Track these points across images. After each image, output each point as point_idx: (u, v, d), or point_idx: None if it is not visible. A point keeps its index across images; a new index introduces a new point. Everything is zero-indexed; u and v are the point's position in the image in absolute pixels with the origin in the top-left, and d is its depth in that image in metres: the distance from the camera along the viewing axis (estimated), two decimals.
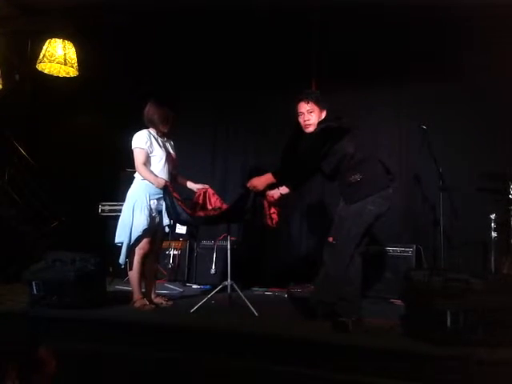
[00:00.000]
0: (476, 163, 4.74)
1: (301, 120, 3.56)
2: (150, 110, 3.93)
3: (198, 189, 4.06)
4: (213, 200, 3.98)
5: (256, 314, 3.63)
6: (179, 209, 3.73)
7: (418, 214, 5.01)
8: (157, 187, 3.79)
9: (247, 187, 3.63)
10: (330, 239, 3.48)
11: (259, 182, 3.56)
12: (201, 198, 3.99)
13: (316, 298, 3.54)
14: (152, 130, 3.95)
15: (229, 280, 3.92)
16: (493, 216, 4.32)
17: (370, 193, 3.29)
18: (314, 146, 3.42)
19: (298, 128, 3.62)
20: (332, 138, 3.37)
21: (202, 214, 3.92)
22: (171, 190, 3.76)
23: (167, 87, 5.73)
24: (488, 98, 4.81)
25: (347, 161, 3.35)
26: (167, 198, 3.75)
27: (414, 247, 4.49)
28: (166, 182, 3.80)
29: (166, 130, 3.97)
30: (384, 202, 3.34)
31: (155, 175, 3.82)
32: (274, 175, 3.50)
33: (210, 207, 3.96)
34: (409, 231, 5.00)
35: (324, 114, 3.53)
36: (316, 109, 3.51)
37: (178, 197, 3.77)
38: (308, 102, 3.51)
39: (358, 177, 3.31)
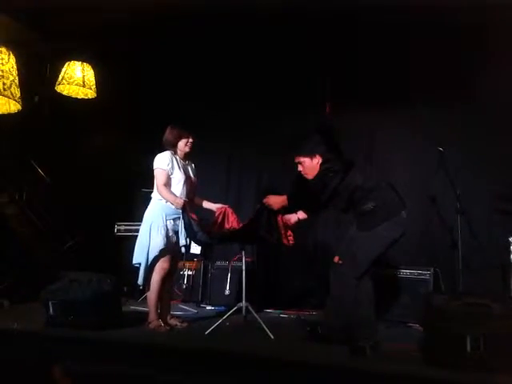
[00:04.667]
0: (494, 185, 4.69)
1: None
2: (166, 132, 4.03)
3: (218, 208, 4.08)
4: (231, 219, 3.98)
5: (271, 337, 3.60)
6: (196, 228, 3.74)
7: (436, 236, 4.95)
8: (176, 207, 3.83)
9: (263, 203, 3.65)
10: (336, 259, 3.46)
11: (275, 201, 3.59)
12: (220, 216, 4.00)
13: (327, 321, 3.51)
14: (176, 153, 4.02)
15: (244, 302, 3.90)
16: (511, 239, 4.26)
17: (383, 219, 3.28)
18: (323, 188, 3.39)
19: None
20: (338, 175, 3.36)
21: (217, 231, 3.93)
22: (188, 211, 3.78)
23: (184, 108, 5.78)
24: (506, 119, 4.77)
25: (358, 192, 3.34)
26: (185, 217, 3.77)
27: (432, 270, 4.43)
28: (184, 201, 3.82)
29: (186, 150, 4.03)
30: (397, 228, 3.33)
31: (175, 195, 3.86)
32: (289, 200, 3.52)
33: (227, 226, 3.96)
34: (426, 254, 4.92)
35: (318, 159, 3.49)
36: (305, 159, 3.51)
37: (195, 217, 3.79)
38: (296, 156, 3.55)
39: (370, 205, 3.30)
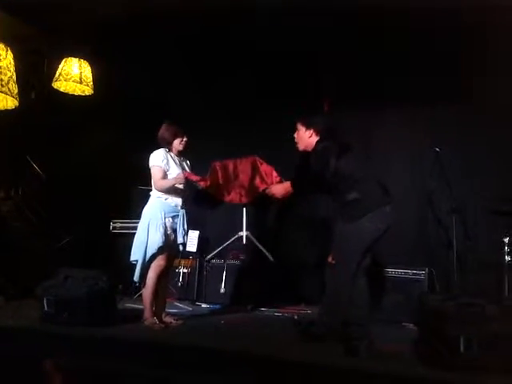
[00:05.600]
0: (489, 186, 4.71)
1: None
2: (161, 129, 4.05)
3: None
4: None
5: (271, 260, 3.56)
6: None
7: (431, 236, 4.97)
8: (180, 184, 3.90)
9: (266, 193, 3.78)
10: (330, 259, 3.48)
11: (277, 190, 3.69)
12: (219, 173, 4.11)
13: (322, 320, 3.52)
14: (171, 151, 4.04)
15: (244, 231, 3.87)
16: (506, 239, 4.27)
17: (366, 211, 3.30)
18: (314, 167, 3.47)
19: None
20: (330, 158, 3.39)
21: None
22: (194, 179, 3.93)
23: (182, 106, 5.77)
24: (502, 119, 4.77)
25: (345, 179, 3.37)
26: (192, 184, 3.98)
27: (427, 270, 4.44)
28: (183, 173, 3.92)
29: (180, 148, 4.04)
30: (382, 220, 3.34)
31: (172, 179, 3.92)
32: (293, 185, 3.57)
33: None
34: (421, 254, 4.94)
35: (311, 133, 3.60)
36: (301, 128, 3.64)
37: (198, 178, 3.96)
38: (296, 122, 3.69)
39: (354, 195, 3.32)
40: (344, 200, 3.37)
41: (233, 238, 3.84)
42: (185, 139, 4.06)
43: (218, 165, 4.18)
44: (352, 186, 3.34)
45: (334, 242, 3.51)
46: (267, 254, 3.59)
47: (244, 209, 4.03)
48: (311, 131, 3.60)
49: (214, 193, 4.17)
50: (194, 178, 3.96)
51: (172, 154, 4.04)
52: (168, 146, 4.02)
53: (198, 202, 4.17)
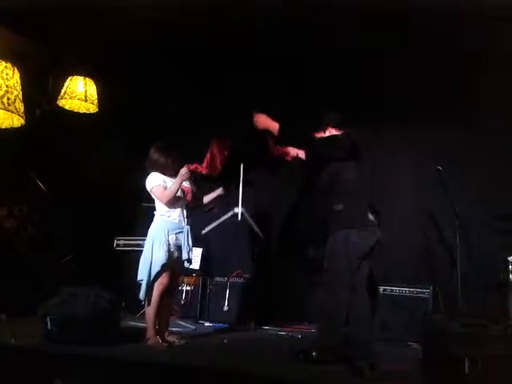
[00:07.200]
0: (493, 204, 4.70)
1: None
2: (150, 153, 4.03)
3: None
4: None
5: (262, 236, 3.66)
6: None
7: (435, 255, 4.96)
8: (185, 178, 3.88)
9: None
10: (325, 266, 3.46)
11: (264, 121, 3.59)
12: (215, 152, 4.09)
13: (322, 341, 3.45)
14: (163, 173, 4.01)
15: (240, 207, 3.87)
16: (510, 258, 4.25)
17: (349, 226, 3.31)
18: (325, 146, 3.49)
19: None
20: (343, 152, 3.39)
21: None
22: (193, 169, 3.92)
23: (182, 125, 5.82)
24: (505, 138, 4.79)
25: (339, 185, 3.38)
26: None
27: (431, 288, 4.43)
28: (187, 167, 3.89)
29: (169, 171, 4.01)
30: (369, 235, 3.34)
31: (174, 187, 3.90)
32: (279, 130, 3.52)
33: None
34: (425, 272, 4.93)
35: (330, 132, 3.60)
36: (331, 130, 3.62)
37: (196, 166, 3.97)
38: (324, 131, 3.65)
39: (340, 207, 3.34)
40: (331, 209, 3.39)
41: (228, 215, 3.81)
42: (172, 162, 4.00)
43: (215, 141, 4.14)
44: (342, 195, 3.36)
45: (326, 252, 3.48)
46: (258, 231, 3.57)
47: (240, 186, 3.96)
48: (329, 129, 3.60)
49: (212, 172, 4.11)
50: (193, 167, 3.94)
51: (166, 176, 4.01)
52: (158, 169, 4.00)
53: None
